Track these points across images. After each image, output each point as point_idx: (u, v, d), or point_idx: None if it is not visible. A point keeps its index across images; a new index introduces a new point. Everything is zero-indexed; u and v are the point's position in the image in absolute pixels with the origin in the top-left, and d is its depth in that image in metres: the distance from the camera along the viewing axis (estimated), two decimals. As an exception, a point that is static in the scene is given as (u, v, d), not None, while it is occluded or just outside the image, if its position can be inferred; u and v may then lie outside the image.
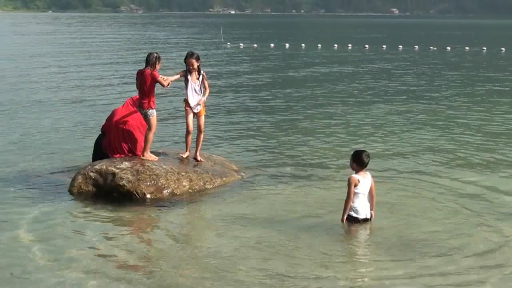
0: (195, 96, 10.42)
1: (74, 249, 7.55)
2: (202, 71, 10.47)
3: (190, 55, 10.38)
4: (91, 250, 7.56)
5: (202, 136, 10.69)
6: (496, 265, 7.18)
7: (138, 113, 10.44)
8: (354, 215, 8.22)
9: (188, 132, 10.54)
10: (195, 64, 10.33)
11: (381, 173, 10.90)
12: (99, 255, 7.41)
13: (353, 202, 8.18)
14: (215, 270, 6.95)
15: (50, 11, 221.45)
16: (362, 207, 8.23)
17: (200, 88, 10.45)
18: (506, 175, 11.32)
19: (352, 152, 8.56)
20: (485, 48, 48.37)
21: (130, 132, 10.46)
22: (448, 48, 48.86)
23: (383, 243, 7.85)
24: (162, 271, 6.99)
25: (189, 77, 10.37)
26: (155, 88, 10.10)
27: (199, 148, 10.71)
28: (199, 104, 10.46)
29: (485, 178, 10.98)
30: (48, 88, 23.00)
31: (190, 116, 10.47)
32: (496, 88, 25.29)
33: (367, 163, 8.27)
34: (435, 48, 48.18)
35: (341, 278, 6.81)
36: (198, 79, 10.41)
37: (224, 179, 10.44)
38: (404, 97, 21.88)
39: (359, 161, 8.24)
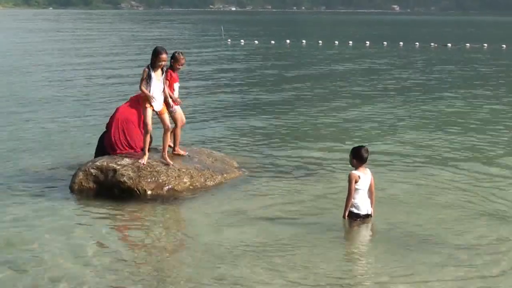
0: (159, 96, 9.70)
1: (74, 244, 7.56)
2: (165, 69, 9.73)
3: (162, 51, 9.53)
4: (91, 246, 7.57)
5: (168, 133, 9.97)
6: (502, 263, 7.15)
7: (140, 110, 10.45)
8: (356, 211, 8.22)
9: (146, 132, 9.78)
10: (166, 60, 9.58)
11: (382, 169, 10.90)
12: (99, 251, 7.42)
13: (354, 199, 8.18)
14: (215, 266, 6.94)
15: (51, 8, 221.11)
16: (363, 203, 8.23)
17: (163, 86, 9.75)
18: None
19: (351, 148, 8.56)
20: (486, 45, 48.28)
21: (130, 129, 10.45)
22: (449, 44, 48.80)
23: (386, 239, 7.85)
24: (162, 267, 7.00)
25: (153, 74, 9.56)
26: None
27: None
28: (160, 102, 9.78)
29: (490, 175, 10.94)
30: (52, 84, 23.01)
31: (150, 114, 9.72)
32: (501, 83, 25.27)
33: (367, 158, 8.26)
34: (435, 45, 48.11)
35: (344, 275, 6.81)
36: (162, 76, 9.68)
37: (225, 175, 10.43)
38: (405, 93, 21.86)
39: (358, 157, 8.23)
